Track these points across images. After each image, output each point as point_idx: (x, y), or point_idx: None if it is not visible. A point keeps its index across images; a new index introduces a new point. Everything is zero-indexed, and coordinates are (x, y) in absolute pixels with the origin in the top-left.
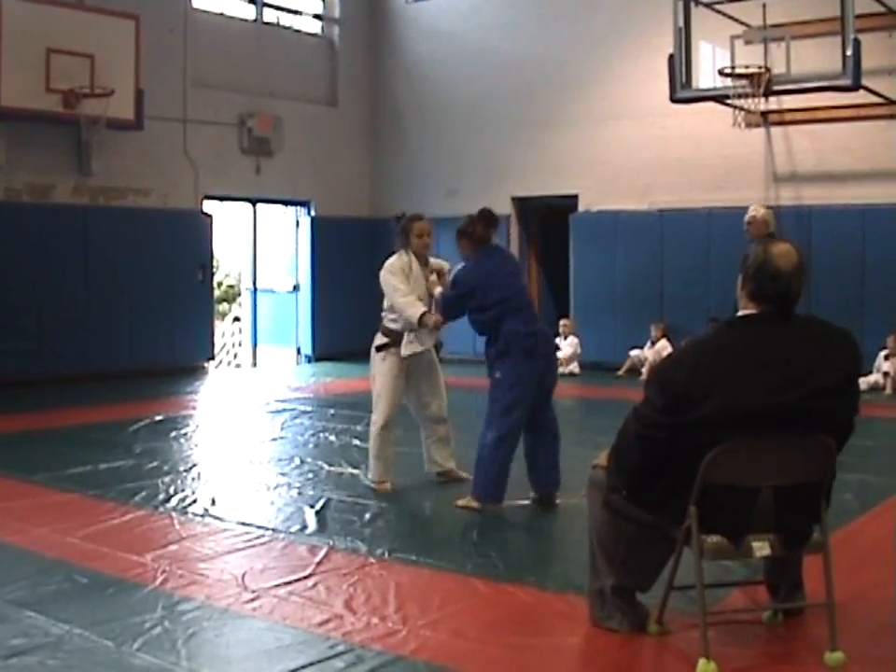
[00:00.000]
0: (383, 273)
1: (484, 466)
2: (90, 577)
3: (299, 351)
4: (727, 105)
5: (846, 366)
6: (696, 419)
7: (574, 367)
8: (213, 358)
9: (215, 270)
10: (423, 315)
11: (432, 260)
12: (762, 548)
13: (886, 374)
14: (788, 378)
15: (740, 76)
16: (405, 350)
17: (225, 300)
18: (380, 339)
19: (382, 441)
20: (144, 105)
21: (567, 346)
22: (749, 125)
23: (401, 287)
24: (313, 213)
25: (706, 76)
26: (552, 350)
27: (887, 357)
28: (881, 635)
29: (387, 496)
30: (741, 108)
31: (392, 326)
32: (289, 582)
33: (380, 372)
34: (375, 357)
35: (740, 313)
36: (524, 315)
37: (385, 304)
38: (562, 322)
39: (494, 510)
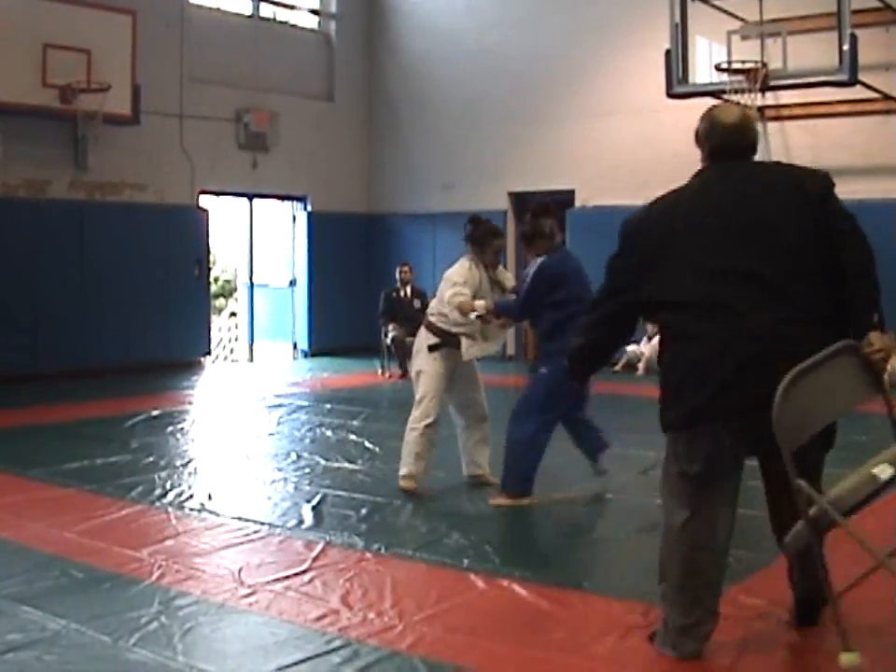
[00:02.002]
0: (448, 275)
1: (518, 461)
2: (86, 572)
3: (295, 346)
4: (724, 100)
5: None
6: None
7: None
8: (209, 354)
9: (211, 265)
10: (463, 301)
11: (498, 269)
12: (883, 470)
13: None
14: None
15: (737, 71)
16: (467, 354)
17: (221, 295)
18: (431, 338)
19: (427, 440)
20: (140, 101)
21: None
22: None
23: (464, 279)
24: (309, 208)
25: (702, 71)
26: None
27: None
28: (882, 631)
29: (383, 492)
30: (738, 103)
31: (442, 326)
32: (286, 577)
33: (428, 372)
34: (425, 355)
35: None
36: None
37: (434, 306)
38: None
39: (528, 503)
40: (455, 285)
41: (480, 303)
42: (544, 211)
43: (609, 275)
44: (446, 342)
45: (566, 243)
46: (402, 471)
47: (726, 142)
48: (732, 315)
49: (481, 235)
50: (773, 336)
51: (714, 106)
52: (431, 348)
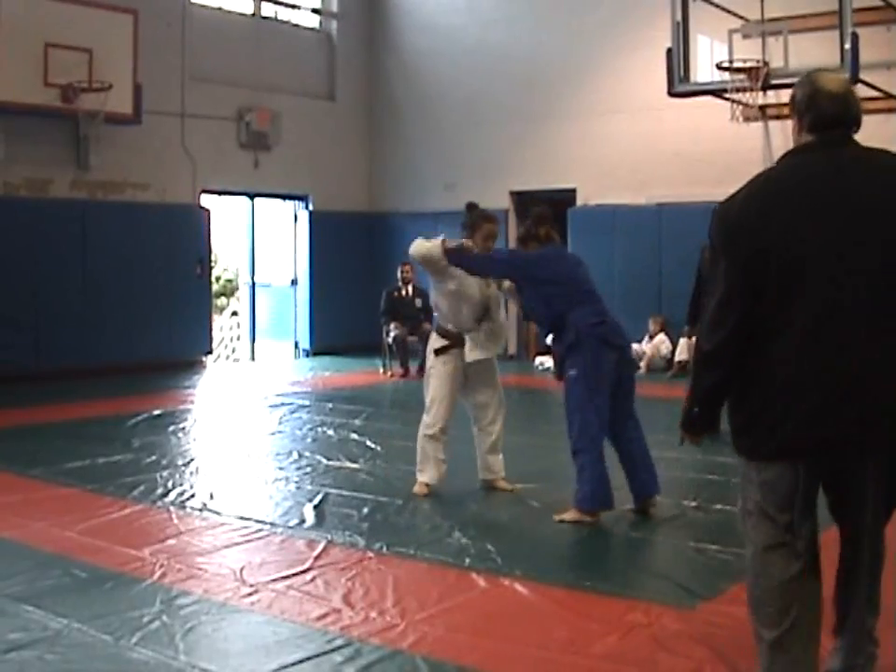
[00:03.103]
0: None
1: (587, 474)
2: (88, 571)
3: (297, 345)
4: (725, 98)
5: None
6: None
7: None
8: (211, 353)
9: (213, 264)
10: (445, 241)
11: None
12: None
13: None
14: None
15: (738, 69)
16: (469, 356)
17: (223, 294)
18: (438, 341)
19: (433, 446)
20: (142, 100)
21: None
22: (747, 119)
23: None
24: (311, 207)
25: (703, 69)
26: (626, 342)
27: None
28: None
29: (384, 491)
30: (739, 102)
31: (448, 327)
32: (287, 577)
33: (436, 376)
34: (433, 359)
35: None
36: (593, 306)
37: (432, 299)
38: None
39: (589, 522)
40: (416, 251)
41: (466, 242)
42: (542, 219)
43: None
44: (452, 344)
45: (566, 245)
46: (419, 477)
47: (831, 113)
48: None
49: (473, 219)
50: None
51: (815, 71)
52: (438, 352)
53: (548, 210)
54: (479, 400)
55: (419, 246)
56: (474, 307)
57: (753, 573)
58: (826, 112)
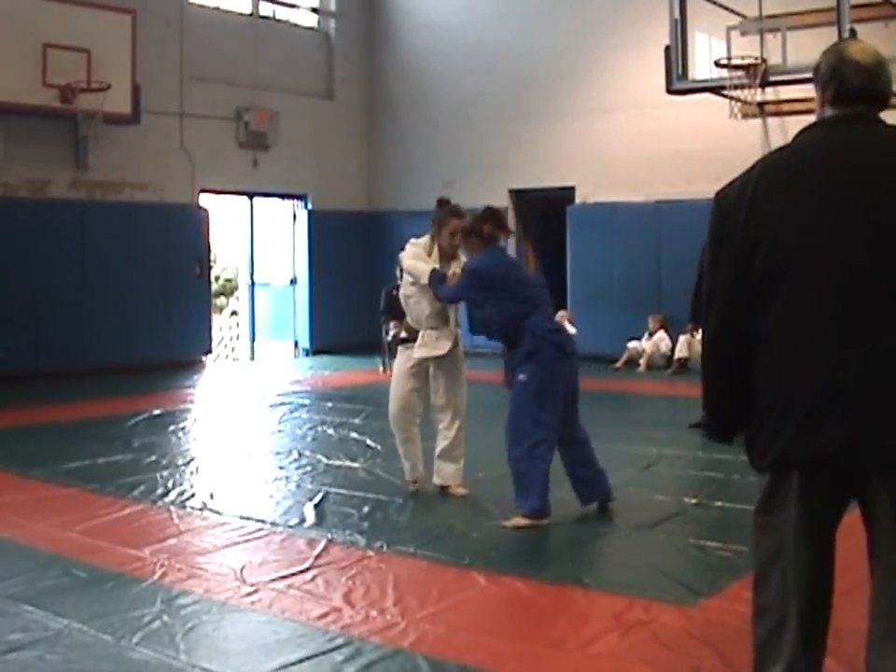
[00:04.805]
0: (401, 259)
1: (525, 479)
2: (88, 571)
3: (296, 344)
4: (723, 96)
5: None
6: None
7: None
8: (211, 352)
9: (212, 264)
10: (434, 269)
11: (462, 259)
12: None
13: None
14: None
15: (736, 66)
16: (417, 352)
17: (222, 294)
18: (402, 334)
19: (398, 440)
20: (140, 100)
21: None
22: (745, 116)
23: (416, 255)
24: (310, 206)
25: (702, 67)
26: (575, 350)
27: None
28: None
29: (384, 490)
30: (737, 99)
31: (411, 322)
32: (288, 576)
33: (397, 370)
34: (398, 354)
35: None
36: (546, 312)
37: (401, 293)
38: (559, 313)
39: (545, 524)
40: (409, 256)
41: (453, 272)
42: (489, 216)
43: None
44: (413, 338)
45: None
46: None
47: (856, 85)
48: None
49: (441, 215)
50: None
51: (845, 40)
52: (398, 343)
53: (499, 210)
54: (436, 402)
55: (414, 267)
56: (436, 304)
57: (754, 587)
58: (850, 84)
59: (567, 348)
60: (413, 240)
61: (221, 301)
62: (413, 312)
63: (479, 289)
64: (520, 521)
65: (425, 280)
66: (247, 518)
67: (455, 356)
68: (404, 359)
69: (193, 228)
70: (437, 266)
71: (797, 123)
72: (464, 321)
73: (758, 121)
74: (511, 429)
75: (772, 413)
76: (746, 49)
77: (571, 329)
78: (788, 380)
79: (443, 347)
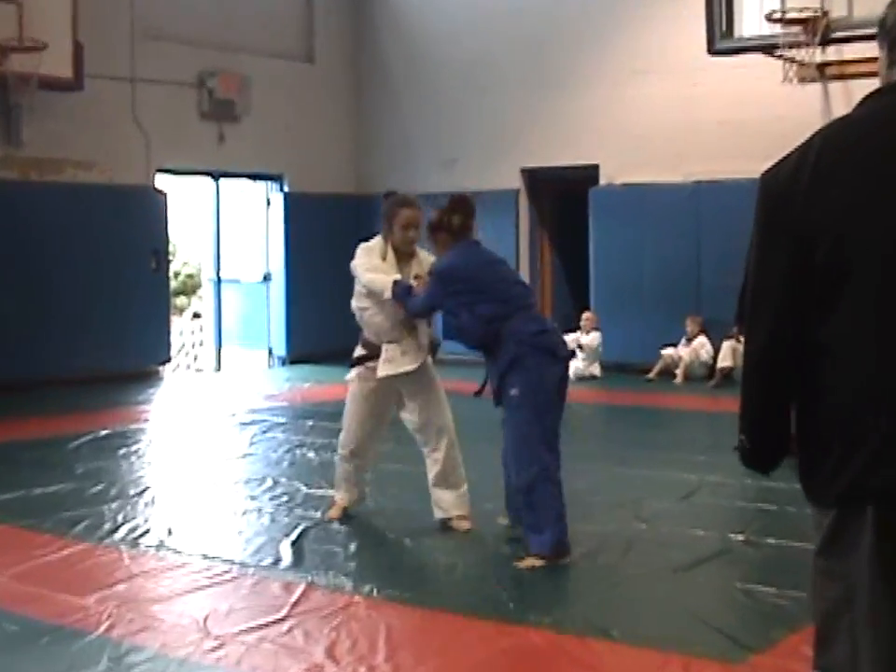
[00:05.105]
0: (352, 268)
1: (538, 511)
2: (20, 624)
3: (271, 352)
4: (776, 56)
5: None
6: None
7: (595, 368)
8: (169, 362)
9: (171, 257)
10: (397, 282)
11: (423, 256)
12: None
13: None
14: None
15: (792, 21)
16: (381, 370)
17: (183, 292)
18: (358, 350)
19: (343, 468)
20: (83, 62)
21: (587, 344)
22: (802, 80)
23: (370, 263)
24: (286, 189)
25: (750, 22)
26: (568, 353)
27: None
28: None
29: (375, 524)
30: (793, 60)
31: (370, 336)
32: (260, 626)
33: (350, 392)
34: (351, 374)
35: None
36: (530, 313)
37: (353, 304)
38: (584, 316)
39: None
40: (362, 265)
41: (419, 282)
42: (460, 206)
43: None
44: (371, 354)
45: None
46: (334, 497)
47: None
48: None
49: (387, 207)
50: None
51: None
52: (353, 364)
53: (469, 197)
54: (413, 423)
55: (372, 282)
56: (398, 314)
57: (816, 645)
58: None
59: (559, 352)
60: (362, 245)
61: (182, 300)
62: (371, 326)
63: (451, 294)
64: (535, 561)
65: (388, 294)
66: (212, 558)
67: (427, 366)
68: (363, 380)
69: (148, 214)
70: (398, 275)
71: (864, 88)
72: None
73: (817, 86)
74: (514, 453)
75: (840, 438)
76: None
77: (595, 336)
78: (861, 398)
79: (413, 362)
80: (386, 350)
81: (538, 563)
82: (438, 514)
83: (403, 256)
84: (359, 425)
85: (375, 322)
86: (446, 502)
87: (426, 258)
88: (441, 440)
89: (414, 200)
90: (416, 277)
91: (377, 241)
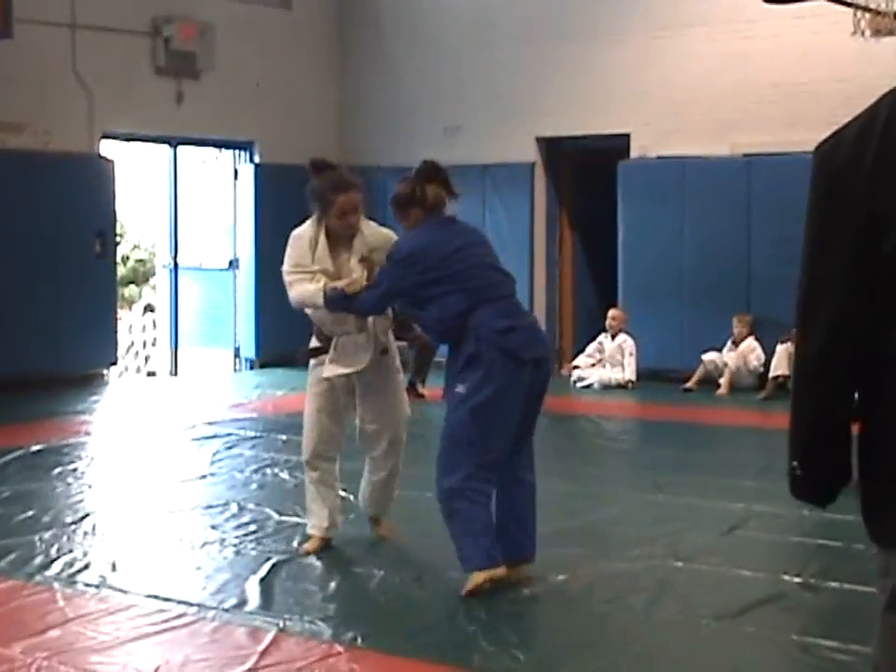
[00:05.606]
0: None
1: (459, 522)
2: None
3: (237, 353)
4: (846, 3)
5: None
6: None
7: (630, 373)
8: (116, 363)
9: (119, 239)
10: (327, 287)
11: (370, 230)
12: None
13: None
14: None
15: None
16: (326, 370)
17: (133, 281)
18: (312, 342)
19: (309, 482)
20: (12, 3)
21: (614, 348)
22: (877, 33)
23: (296, 262)
24: (257, 159)
25: None
26: (543, 353)
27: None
28: None
29: (359, 557)
30: (866, 9)
31: (323, 329)
32: None
33: (307, 389)
34: (309, 371)
35: None
36: (501, 305)
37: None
38: (610, 314)
39: (501, 575)
40: (287, 269)
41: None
42: (432, 174)
43: None
44: (324, 349)
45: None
46: (307, 526)
47: None
48: None
49: (323, 189)
50: None
51: None
52: (307, 356)
53: (439, 164)
54: (366, 428)
55: (301, 296)
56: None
57: None
58: None
59: (524, 354)
60: (293, 232)
61: (131, 290)
62: (316, 317)
63: (411, 283)
64: (472, 582)
65: (320, 302)
66: (164, 599)
67: (383, 365)
68: (315, 377)
69: (92, 188)
70: (326, 281)
71: None
72: None
73: (894, 40)
74: (441, 455)
75: None
76: None
77: (625, 341)
78: None
79: (363, 359)
80: (335, 345)
81: (478, 580)
82: (370, 512)
83: (341, 240)
84: (315, 426)
85: (318, 315)
86: (385, 502)
87: (374, 231)
88: (395, 448)
89: (351, 180)
90: (362, 260)
91: (307, 226)
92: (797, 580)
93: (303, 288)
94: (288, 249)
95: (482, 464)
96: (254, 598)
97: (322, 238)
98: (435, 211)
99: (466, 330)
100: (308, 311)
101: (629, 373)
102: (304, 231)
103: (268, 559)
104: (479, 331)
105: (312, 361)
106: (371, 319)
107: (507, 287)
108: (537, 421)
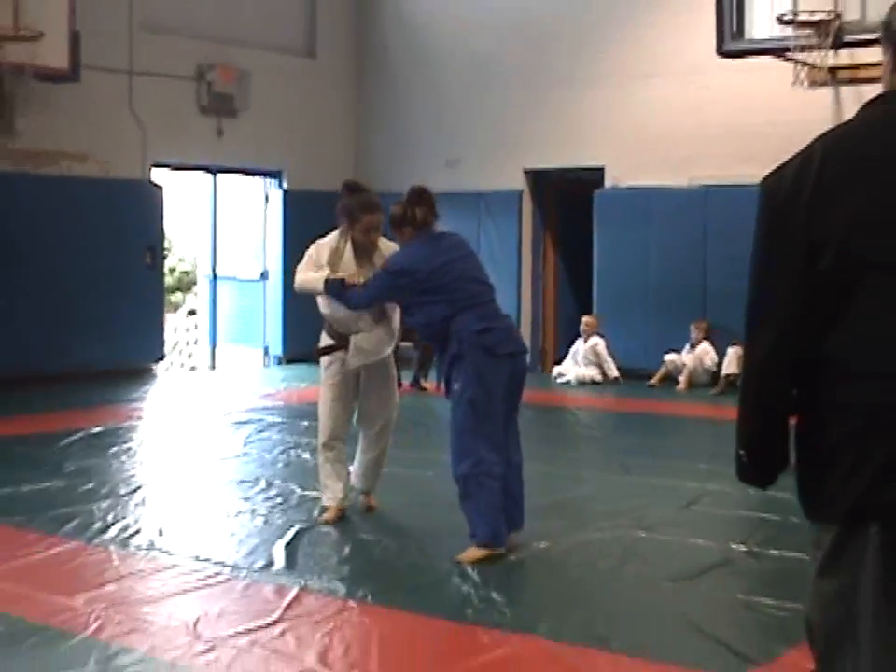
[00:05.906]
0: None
1: (473, 503)
2: (7, 624)
3: (267, 351)
4: (787, 59)
5: None
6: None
7: (596, 373)
8: (163, 359)
9: (166, 253)
10: (328, 279)
11: (385, 246)
12: None
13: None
14: None
15: (804, 24)
16: (350, 361)
17: (178, 289)
18: (324, 339)
19: (325, 461)
20: (80, 52)
21: (587, 349)
22: (813, 84)
23: (310, 257)
24: (285, 185)
25: (761, 24)
26: (518, 348)
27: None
28: None
29: (370, 527)
30: (804, 63)
31: (339, 328)
32: (252, 630)
33: (322, 381)
34: (322, 365)
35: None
36: (480, 311)
37: (320, 300)
38: (584, 320)
39: (498, 555)
40: (300, 269)
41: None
42: (420, 198)
43: None
44: (339, 344)
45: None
46: (322, 499)
47: None
48: None
49: (353, 208)
50: None
51: None
52: (322, 352)
53: (427, 189)
54: (369, 408)
55: (304, 282)
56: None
57: (817, 663)
58: None
59: (499, 349)
60: (318, 241)
61: (177, 297)
62: (336, 318)
63: (398, 291)
64: (473, 552)
65: (320, 289)
66: (204, 560)
67: (386, 359)
68: (333, 371)
69: (144, 209)
70: (329, 272)
71: (876, 92)
72: None
73: (829, 90)
74: (453, 445)
75: (845, 452)
76: (815, 2)
77: (596, 342)
78: (870, 410)
79: (385, 350)
80: (357, 339)
81: (476, 555)
82: (362, 487)
83: (365, 251)
84: (332, 413)
85: (339, 317)
86: (374, 477)
87: (386, 246)
88: (388, 427)
89: (378, 203)
90: (352, 276)
91: (333, 237)
92: (743, 548)
93: (308, 275)
94: (310, 250)
95: (487, 447)
96: (279, 560)
97: (349, 248)
98: (424, 227)
99: (450, 333)
100: (326, 312)
101: (614, 372)
102: (328, 240)
103: (291, 527)
104: (461, 334)
105: (325, 357)
106: (396, 319)
107: (486, 294)
108: (519, 406)
